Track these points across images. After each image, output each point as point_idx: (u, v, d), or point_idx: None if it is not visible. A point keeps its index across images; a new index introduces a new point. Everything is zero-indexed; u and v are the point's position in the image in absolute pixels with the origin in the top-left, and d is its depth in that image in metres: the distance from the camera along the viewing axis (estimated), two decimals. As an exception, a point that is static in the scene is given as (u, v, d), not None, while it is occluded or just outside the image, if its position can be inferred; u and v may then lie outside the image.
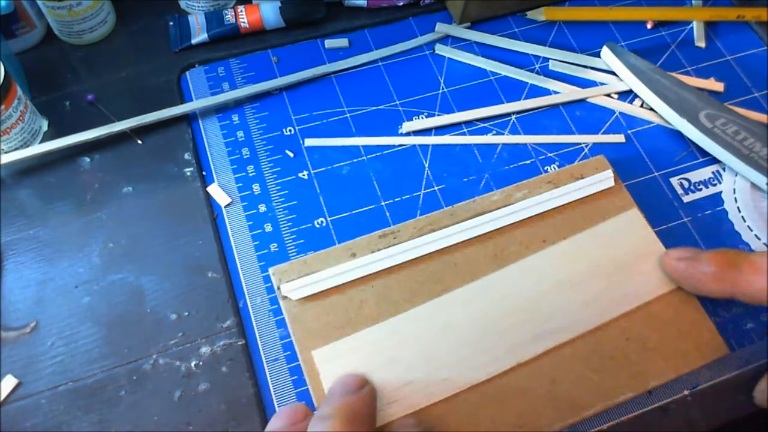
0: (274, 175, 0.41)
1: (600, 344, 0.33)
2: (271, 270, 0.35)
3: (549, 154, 0.43)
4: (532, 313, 0.34)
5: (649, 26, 0.49)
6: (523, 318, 0.33)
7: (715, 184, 0.42)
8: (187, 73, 0.45)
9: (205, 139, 0.42)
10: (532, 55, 0.47)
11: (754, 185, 0.42)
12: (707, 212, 0.41)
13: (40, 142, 0.41)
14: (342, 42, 0.46)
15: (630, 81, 0.45)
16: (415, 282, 0.35)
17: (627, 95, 0.46)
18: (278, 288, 0.34)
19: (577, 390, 0.32)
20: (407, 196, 0.40)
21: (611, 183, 0.38)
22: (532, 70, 0.46)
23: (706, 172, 0.43)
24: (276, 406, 0.34)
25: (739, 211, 0.41)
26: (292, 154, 0.42)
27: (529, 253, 0.36)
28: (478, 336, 0.33)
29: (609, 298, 0.34)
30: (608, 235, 0.36)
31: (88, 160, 0.41)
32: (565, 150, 0.43)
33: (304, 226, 0.39)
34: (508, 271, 0.35)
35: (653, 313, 0.34)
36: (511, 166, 0.42)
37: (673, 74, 0.46)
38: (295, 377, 0.34)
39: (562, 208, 0.37)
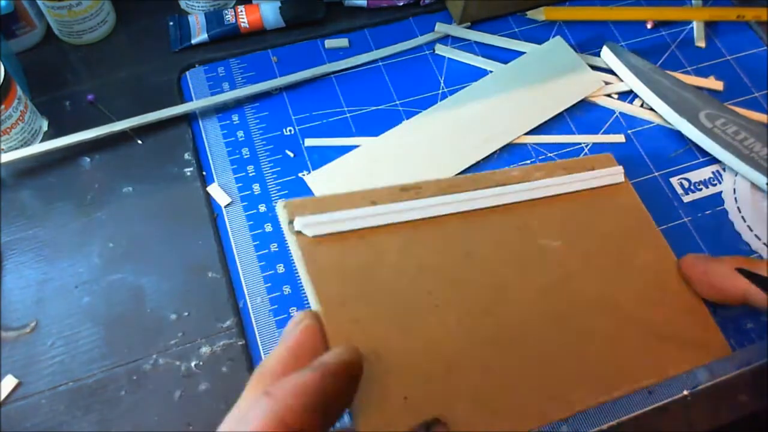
0: (274, 175, 0.41)
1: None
2: (281, 202, 0.30)
3: (549, 154, 0.43)
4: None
5: (649, 26, 0.49)
6: None
7: (715, 184, 0.42)
8: (187, 73, 0.45)
9: (205, 139, 0.42)
10: (532, 55, 0.47)
11: (754, 185, 0.42)
12: (707, 212, 0.41)
13: (40, 142, 0.41)
14: (342, 42, 0.46)
15: (630, 81, 0.45)
16: (441, 241, 0.32)
17: (627, 95, 0.46)
18: (290, 222, 0.30)
19: (603, 370, 0.31)
20: (407, 196, 0.40)
21: (621, 179, 0.39)
22: (532, 70, 0.46)
23: (706, 172, 0.43)
24: (276, 406, 0.34)
25: (739, 211, 0.41)
26: (292, 154, 0.42)
27: (547, 229, 0.35)
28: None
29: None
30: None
31: (88, 160, 0.41)
32: (565, 150, 0.43)
33: (304, 226, 0.39)
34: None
35: (657, 315, 0.34)
36: (511, 166, 0.42)
37: (673, 74, 0.46)
38: (295, 377, 0.34)
39: (577, 195, 0.37)
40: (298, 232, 0.29)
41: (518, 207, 0.35)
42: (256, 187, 0.40)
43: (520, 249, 0.34)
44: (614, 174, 0.38)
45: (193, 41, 0.46)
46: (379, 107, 0.44)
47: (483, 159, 0.42)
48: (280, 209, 0.30)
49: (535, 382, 0.30)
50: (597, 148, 0.43)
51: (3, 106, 0.37)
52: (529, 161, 0.42)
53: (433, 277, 0.31)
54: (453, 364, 0.28)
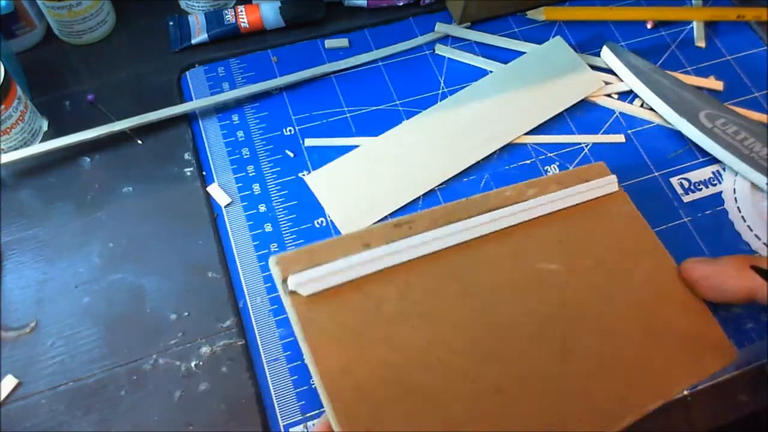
0: (274, 175, 0.41)
1: (610, 356, 0.32)
2: (273, 259, 0.29)
3: (549, 154, 0.43)
4: None
5: (649, 26, 0.49)
6: None
7: (715, 184, 0.42)
8: (187, 73, 0.45)
9: (205, 139, 0.42)
10: (532, 55, 0.47)
11: (754, 185, 0.42)
12: (707, 212, 0.41)
13: (40, 142, 0.41)
14: (342, 42, 0.46)
15: (630, 81, 0.45)
16: (438, 281, 0.31)
17: (627, 95, 0.46)
18: (284, 281, 0.29)
19: (609, 400, 0.30)
20: (407, 196, 0.40)
21: (615, 188, 0.38)
22: (532, 70, 0.46)
23: (706, 172, 0.43)
24: (276, 406, 0.34)
25: (739, 211, 0.41)
26: (292, 154, 0.42)
27: (545, 252, 0.34)
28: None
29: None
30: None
31: (88, 160, 0.41)
32: (565, 150, 0.43)
33: (304, 226, 0.39)
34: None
35: (661, 329, 0.33)
36: (511, 166, 0.42)
37: (673, 74, 0.46)
38: (296, 377, 0.34)
39: (572, 210, 0.36)
40: (293, 292, 0.29)
41: (514, 231, 0.34)
42: (256, 187, 0.40)
43: (517, 277, 0.33)
44: (608, 184, 0.38)
45: (193, 41, 0.46)
46: (379, 107, 0.44)
47: (483, 159, 0.42)
48: (273, 266, 0.29)
49: (542, 427, 0.29)
50: (597, 147, 0.43)
51: (3, 106, 0.37)
52: (528, 161, 0.42)
53: (432, 325, 0.30)
54: (457, 420, 0.28)
